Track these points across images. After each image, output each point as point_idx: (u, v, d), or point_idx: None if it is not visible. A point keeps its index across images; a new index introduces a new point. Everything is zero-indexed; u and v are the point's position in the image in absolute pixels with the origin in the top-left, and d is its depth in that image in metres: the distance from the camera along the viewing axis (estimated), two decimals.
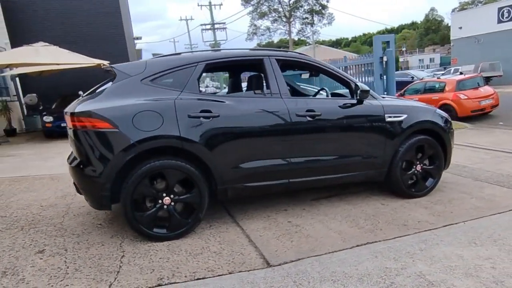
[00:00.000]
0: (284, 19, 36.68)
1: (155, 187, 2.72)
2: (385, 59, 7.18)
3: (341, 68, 11.36)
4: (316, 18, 38.08)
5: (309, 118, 3.06)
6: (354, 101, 3.26)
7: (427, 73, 23.13)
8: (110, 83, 2.85)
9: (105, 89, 2.79)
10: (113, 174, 2.59)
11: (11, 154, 7.77)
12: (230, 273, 2.28)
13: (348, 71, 8.60)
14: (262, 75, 3.18)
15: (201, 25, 31.52)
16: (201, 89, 3.13)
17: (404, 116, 3.38)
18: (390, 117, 3.33)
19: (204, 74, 3.76)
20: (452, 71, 22.03)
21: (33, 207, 3.80)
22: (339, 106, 3.22)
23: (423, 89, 10.85)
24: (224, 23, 33.34)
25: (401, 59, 43.62)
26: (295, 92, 4.02)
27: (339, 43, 76.45)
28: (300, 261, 2.41)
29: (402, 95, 10.79)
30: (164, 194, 2.73)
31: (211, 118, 2.78)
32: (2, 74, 11.47)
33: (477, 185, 3.90)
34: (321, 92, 3.99)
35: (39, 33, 12.36)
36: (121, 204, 2.65)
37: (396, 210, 3.25)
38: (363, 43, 73.02)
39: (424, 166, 3.56)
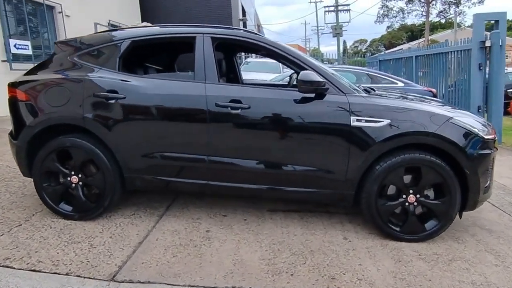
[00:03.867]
0: None
1: (63, 164, 2.64)
2: (488, 44, 5.25)
3: (402, 59, 8.98)
4: None
5: (231, 110, 2.41)
6: (304, 95, 2.41)
7: None
8: None
9: (42, 62, 2.81)
10: (25, 145, 2.62)
11: None
12: (66, 275, 2.02)
13: (429, 64, 6.69)
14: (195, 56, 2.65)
15: (325, 7, 30.11)
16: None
17: (385, 121, 2.32)
18: (359, 120, 2.34)
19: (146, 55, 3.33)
20: None
21: None
22: (285, 100, 2.44)
23: None
24: (348, 4, 30.98)
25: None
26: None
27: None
28: (148, 285, 1.96)
29: None
30: (73, 173, 2.63)
31: (115, 100, 2.48)
32: None
33: None
34: None
35: (162, 16, 13.91)
36: (32, 173, 2.68)
37: (349, 254, 2.32)
38: None
39: (423, 199, 2.42)
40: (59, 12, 9.21)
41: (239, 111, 2.40)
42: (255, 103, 2.41)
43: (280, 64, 13.09)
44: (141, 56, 3.18)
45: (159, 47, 3.16)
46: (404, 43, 35.45)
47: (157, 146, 2.52)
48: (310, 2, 45.55)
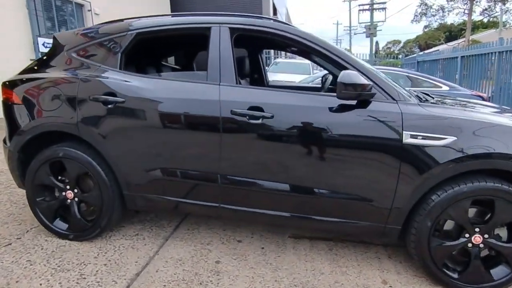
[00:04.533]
0: None
1: (57, 177, 2.32)
2: None
3: (440, 61, 7.97)
4: None
5: (250, 120, 1.98)
6: (344, 102, 1.93)
7: None
8: None
9: (40, 59, 2.51)
10: (17, 153, 2.33)
11: None
12: None
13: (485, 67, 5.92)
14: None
15: (359, 5, 28.92)
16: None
17: (450, 139, 1.80)
18: (414, 136, 1.83)
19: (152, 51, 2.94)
20: None
21: None
22: (317, 108, 1.96)
23: None
24: (384, 2, 29.51)
25: None
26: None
27: None
28: None
29: None
30: (68, 187, 2.31)
31: (114, 104, 2.12)
32: None
33: None
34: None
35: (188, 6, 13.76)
36: (25, 185, 2.39)
37: None
38: None
39: (493, 241, 1.88)
40: (88, 10, 9.22)
41: (259, 121, 1.97)
42: (280, 111, 1.97)
43: (310, 64, 12.60)
44: (147, 52, 2.82)
45: (168, 41, 2.78)
46: (442, 43, 33.36)
47: (161, 160, 2.15)
48: (344, 1, 44.35)
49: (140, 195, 2.24)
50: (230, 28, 2.14)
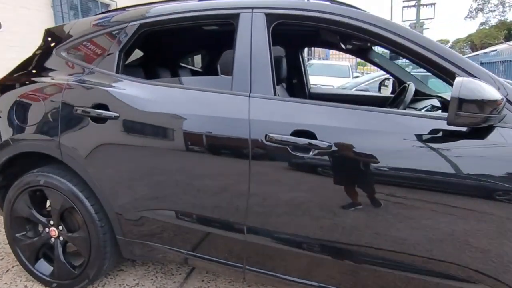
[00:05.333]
0: None
1: (40, 209, 1.83)
2: None
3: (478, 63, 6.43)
4: None
5: (295, 152, 1.33)
6: (453, 129, 1.21)
7: None
8: None
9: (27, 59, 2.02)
10: None
11: None
12: None
13: None
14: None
15: (404, 1, 26.99)
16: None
17: None
18: None
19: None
20: None
21: None
22: (402, 135, 1.26)
23: None
24: None
25: None
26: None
27: None
28: None
29: None
30: (51, 223, 1.80)
31: (105, 120, 1.56)
32: None
33: None
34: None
35: None
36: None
37: None
38: None
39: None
40: None
41: (309, 154, 1.31)
42: (343, 140, 1.30)
43: (350, 66, 11.58)
44: (154, 50, 2.26)
45: (182, 34, 2.19)
46: (501, 42, 30.20)
47: (166, 197, 1.57)
48: None
49: (139, 242, 1.67)
50: (267, 14, 1.50)
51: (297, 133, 1.33)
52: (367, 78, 6.45)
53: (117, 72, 1.66)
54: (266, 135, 1.35)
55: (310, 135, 1.32)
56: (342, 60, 14.04)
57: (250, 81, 1.46)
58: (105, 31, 1.73)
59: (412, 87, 1.77)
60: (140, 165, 1.55)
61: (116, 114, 1.53)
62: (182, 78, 2.13)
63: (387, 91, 2.90)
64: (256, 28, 1.50)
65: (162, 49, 2.39)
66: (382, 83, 3.04)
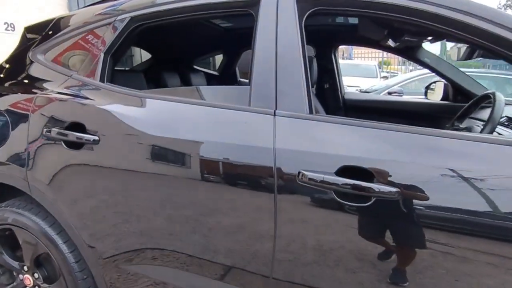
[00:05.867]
0: None
1: (12, 249, 1.47)
2: None
3: None
4: None
5: (344, 201, 0.88)
6: None
7: None
8: None
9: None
10: None
11: None
12: None
13: None
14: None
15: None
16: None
17: None
18: None
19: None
20: None
21: None
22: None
23: None
24: None
25: None
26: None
27: None
28: None
29: None
30: (25, 268, 1.44)
31: (81, 146, 1.17)
32: None
33: None
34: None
35: None
36: None
37: None
38: None
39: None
40: None
41: (367, 204, 0.88)
42: (420, 185, 0.85)
43: (376, 66, 10.87)
44: (155, 51, 1.87)
45: (189, 31, 1.78)
46: None
47: (164, 242, 1.16)
48: None
49: None
50: (298, 0, 1.07)
51: (346, 170, 0.90)
52: (401, 78, 5.83)
53: (101, 80, 1.28)
54: (299, 173, 0.92)
55: (366, 174, 0.88)
56: (367, 59, 13.37)
57: (276, 92, 1.03)
58: (88, 27, 1.35)
59: (500, 99, 1.27)
60: (130, 206, 1.16)
61: (95, 138, 1.15)
62: (185, 89, 1.73)
63: (434, 96, 2.40)
64: (284, 19, 1.07)
65: (167, 50, 2.01)
66: (429, 87, 2.54)
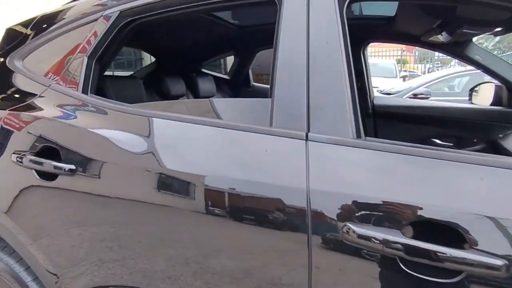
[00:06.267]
0: None
1: None
2: None
3: None
4: None
5: (413, 272, 0.60)
6: None
7: None
8: None
9: None
10: None
11: None
12: None
13: None
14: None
15: None
16: None
17: None
18: None
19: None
20: None
21: None
22: None
23: None
24: None
25: None
26: None
27: None
28: None
29: None
30: None
31: (53, 178, 0.92)
32: None
33: None
34: None
35: None
36: None
37: None
38: None
39: None
40: None
41: (449, 280, 0.59)
42: None
43: (395, 65, 10.32)
44: (151, 52, 1.61)
45: (188, 29, 1.52)
46: None
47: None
48: None
49: None
50: None
51: (417, 226, 0.61)
52: (426, 79, 5.36)
53: (84, 90, 1.02)
54: (345, 226, 0.64)
55: (452, 233, 0.59)
56: (384, 58, 12.89)
57: (308, 107, 0.75)
58: (70, 26, 1.10)
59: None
60: (108, 249, 0.90)
61: (71, 167, 0.89)
62: (182, 102, 1.45)
63: (481, 99, 2.06)
64: (319, 7, 0.79)
65: (170, 51, 1.75)
66: (473, 89, 2.20)
